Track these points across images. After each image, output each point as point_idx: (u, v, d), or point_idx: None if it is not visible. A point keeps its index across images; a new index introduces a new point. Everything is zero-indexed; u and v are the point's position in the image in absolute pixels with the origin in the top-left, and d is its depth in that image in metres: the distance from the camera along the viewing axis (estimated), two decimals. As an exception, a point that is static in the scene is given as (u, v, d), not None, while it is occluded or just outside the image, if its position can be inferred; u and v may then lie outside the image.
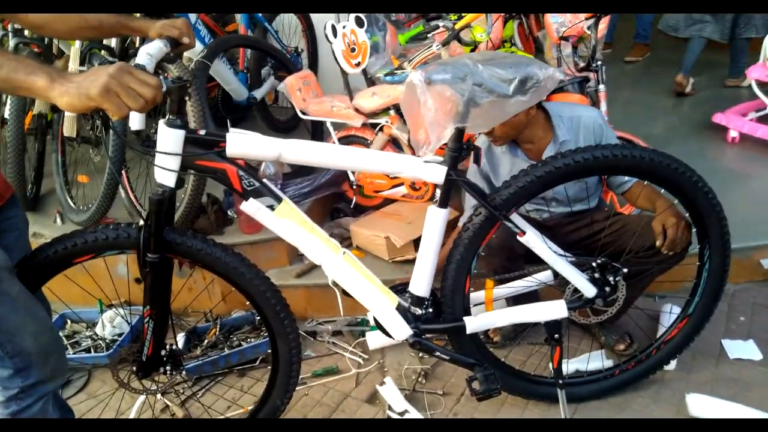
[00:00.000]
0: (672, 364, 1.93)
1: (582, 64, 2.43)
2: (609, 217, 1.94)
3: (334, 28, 2.56)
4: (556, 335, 1.65)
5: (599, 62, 2.35)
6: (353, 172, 2.68)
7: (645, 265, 1.78)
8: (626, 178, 1.87)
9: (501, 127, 1.80)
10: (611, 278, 1.64)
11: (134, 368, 1.57)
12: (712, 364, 1.97)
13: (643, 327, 2.10)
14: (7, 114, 2.65)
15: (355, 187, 2.70)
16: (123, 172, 2.54)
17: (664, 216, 1.70)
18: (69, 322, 2.53)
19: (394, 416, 1.88)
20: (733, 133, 3.17)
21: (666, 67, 4.50)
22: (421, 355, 2.12)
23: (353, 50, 2.62)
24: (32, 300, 1.33)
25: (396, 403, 1.92)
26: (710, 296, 1.80)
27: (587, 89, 2.38)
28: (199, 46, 2.78)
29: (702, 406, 1.76)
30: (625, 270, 1.64)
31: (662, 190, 1.69)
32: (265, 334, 1.79)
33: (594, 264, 1.65)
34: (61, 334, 2.40)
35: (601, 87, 2.36)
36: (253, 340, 2.28)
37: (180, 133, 1.33)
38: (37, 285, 1.44)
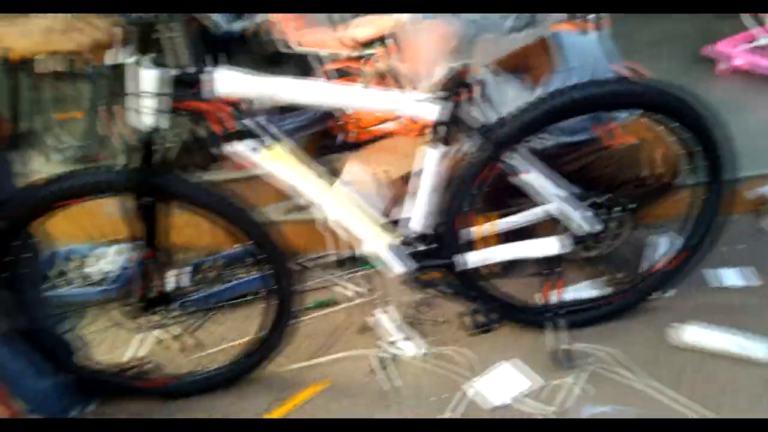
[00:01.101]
0: (671, 292, 1.97)
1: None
2: (603, 149, 1.93)
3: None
4: (557, 268, 1.67)
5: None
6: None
7: (637, 197, 1.79)
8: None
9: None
10: (614, 213, 1.65)
11: (136, 307, 1.57)
12: (697, 291, 2.01)
13: (633, 256, 2.12)
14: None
15: (343, 123, 2.63)
16: (102, 109, 2.45)
17: (653, 146, 1.69)
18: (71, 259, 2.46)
19: (391, 348, 1.92)
20: (722, 65, 3.14)
21: None
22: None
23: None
24: None
25: (394, 331, 1.96)
26: (707, 228, 1.82)
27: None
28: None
29: (695, 334, 1.81)
30: (632, 205, 1.64)
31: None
32: (261, 270, 1.82)
33: (598, 200, 1.64)
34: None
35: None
36: (250, 274, 2.26)
37: (158, 73, 1.24)
38: (20, 228, 1.43)
